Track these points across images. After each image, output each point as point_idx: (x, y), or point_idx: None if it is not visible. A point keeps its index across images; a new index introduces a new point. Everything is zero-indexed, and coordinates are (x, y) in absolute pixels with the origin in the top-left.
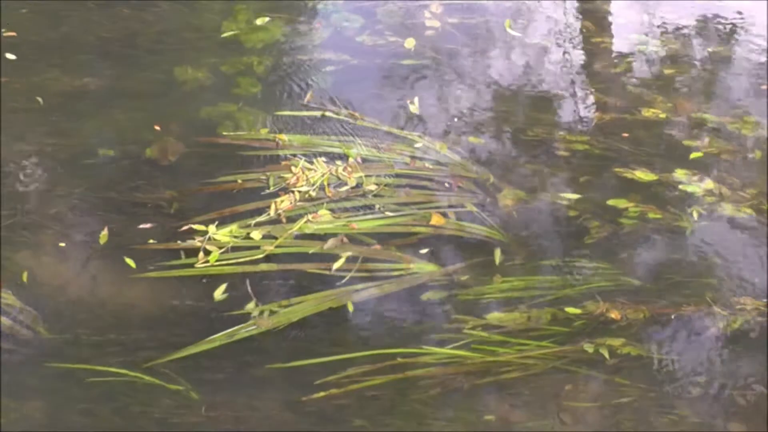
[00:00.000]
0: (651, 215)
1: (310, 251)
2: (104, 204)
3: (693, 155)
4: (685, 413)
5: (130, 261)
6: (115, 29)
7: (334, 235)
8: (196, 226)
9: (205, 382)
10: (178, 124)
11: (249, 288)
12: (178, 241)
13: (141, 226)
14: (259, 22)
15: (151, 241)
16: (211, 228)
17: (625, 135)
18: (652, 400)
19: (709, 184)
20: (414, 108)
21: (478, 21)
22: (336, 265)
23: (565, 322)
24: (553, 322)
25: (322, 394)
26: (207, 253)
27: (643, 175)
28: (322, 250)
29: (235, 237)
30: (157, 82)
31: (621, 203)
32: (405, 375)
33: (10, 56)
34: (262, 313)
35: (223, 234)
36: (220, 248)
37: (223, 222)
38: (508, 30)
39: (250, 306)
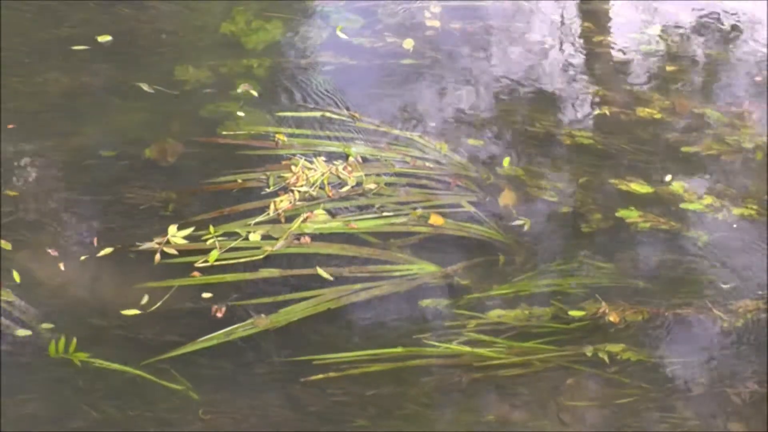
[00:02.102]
0: (663, 227)
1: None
2: (103, 204)
3: (504, 160)
4: (685, 413)
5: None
6: (115, 29)
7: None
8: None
9: (204, 381)
10: (177, 123)
11: None
12: (136, 243)
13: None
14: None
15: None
16: (172, 228)
17: (626, 134)
18: (652, 401)
19: (707, 199)
20: (243, 88)
21: (478, 22)
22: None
23: (566, 320)
24: (553, 320)
25: (320, 376)
26: (165, 255)
27: (638, 187)
28: (273, 252)
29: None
30: (157, 82)
31: (632, 215)
32: (405, 364)
33: None
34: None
35: (182, 235)
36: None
37: (222, 222)
38: (339, 34)
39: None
